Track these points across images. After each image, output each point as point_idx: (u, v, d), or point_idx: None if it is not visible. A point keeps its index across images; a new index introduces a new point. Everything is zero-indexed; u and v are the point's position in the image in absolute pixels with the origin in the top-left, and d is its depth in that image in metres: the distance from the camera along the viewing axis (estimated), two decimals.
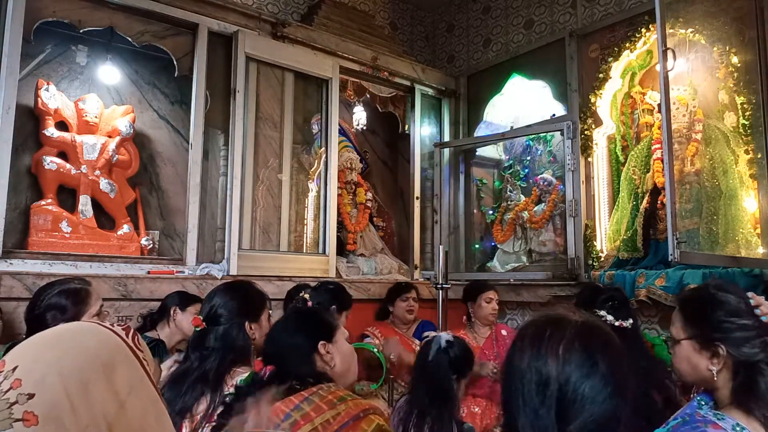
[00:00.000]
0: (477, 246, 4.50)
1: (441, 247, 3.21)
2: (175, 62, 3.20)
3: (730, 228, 2.95)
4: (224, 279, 3.01)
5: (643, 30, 3.38)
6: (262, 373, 1.45)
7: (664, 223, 3.12)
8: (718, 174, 3.02)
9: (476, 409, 2.90)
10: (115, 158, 3.23)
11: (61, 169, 3.06)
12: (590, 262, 3.56)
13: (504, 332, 3.23)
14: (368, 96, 4.19)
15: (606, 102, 3.65)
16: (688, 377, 1.39)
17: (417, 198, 4.25)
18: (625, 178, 3.47)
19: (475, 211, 4.51)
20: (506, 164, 4.55)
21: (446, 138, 4.48)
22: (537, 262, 4.09)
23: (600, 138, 3.72)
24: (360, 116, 4.28)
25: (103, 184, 3.17)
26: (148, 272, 2.97)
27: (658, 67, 2.67)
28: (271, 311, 1.98)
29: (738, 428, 1.19)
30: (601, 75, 3.58)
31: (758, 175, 2.98)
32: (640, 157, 3.39)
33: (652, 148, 3.30)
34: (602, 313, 2.08)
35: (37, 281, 2.46)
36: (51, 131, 3.06)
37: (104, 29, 3.04)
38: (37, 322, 1.96)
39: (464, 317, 3.27)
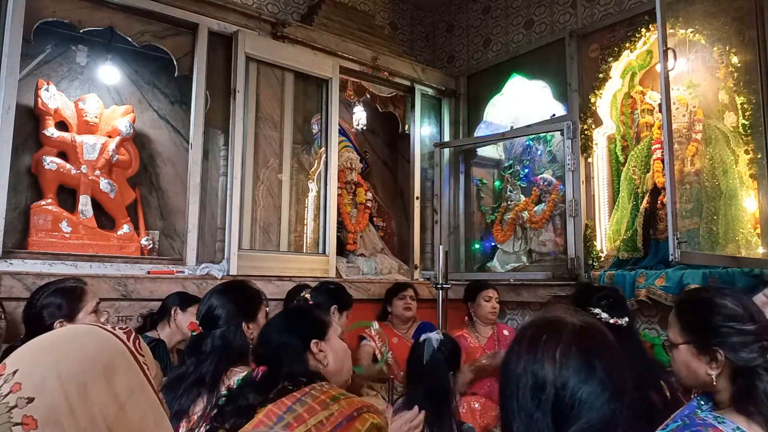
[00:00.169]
0: (477, 246, 4.50)
1: (441, 247, 3.22)
2: (175, 62, 3.20)
3: (730, 228, 2.95)
4: (224, 279, 3.01)
5: (643, 30, 3.38)
6: (254, 374, 1.44)
7: (664, 223, 3.13)
8: (718, 174, 3.02)
9: (476, 405, 2.91)
10: (115, 158, 3.23)
11: (61, 169, 3.06)
12: (590, 262, 3.56)
13: (506, 332, 3.24)
14: (368, 96, 4.19)
15: (606, 102, 3.64)
16: (687, 381, 1.38)
17: (417, 198, 4.25)
18: (625, 178, 3.47)
19: (475, 211, 4.50)
20: (506, 164, 4.54)
21: (446, 138, 4.48)
22: (537, 262, 4.09)
23: (600, 138, 3.71)
24: (360, 116, 4.27)
25: (103, 184, 3.17)
26: (148, 272, 2.97)
27: (658, 67, 2.67)
28: (267, 309, 1.97)
29: None
30: (601, 75, 3.58)
31: (758, 175, 2.98)
32: (640, 157, 3.39)
33: (652, 148, 3.30)
34: (597, 310, 2.07)
35: (37, 281, 2.45)
36: (51, 131, 3.06)
37: (104, 29, 3.04)
38: (34, 320, 1.98)
39: (466, 317, 3.29)
